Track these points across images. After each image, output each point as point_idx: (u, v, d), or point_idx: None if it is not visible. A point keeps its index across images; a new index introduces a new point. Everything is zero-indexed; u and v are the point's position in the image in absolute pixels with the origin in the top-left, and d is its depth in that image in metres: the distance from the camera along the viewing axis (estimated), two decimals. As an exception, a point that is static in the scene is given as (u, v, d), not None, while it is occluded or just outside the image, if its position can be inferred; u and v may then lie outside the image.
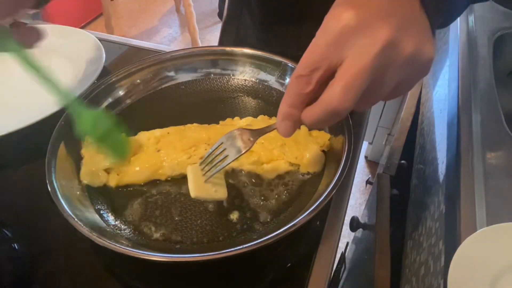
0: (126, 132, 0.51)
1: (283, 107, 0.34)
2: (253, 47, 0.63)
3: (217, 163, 0.43)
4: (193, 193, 0.44)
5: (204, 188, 0.44)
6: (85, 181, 0.50)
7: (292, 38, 0.75)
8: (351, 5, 0.30)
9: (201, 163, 0.46)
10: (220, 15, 0.88)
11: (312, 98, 0.33)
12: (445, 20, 0.35)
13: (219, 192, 0.45)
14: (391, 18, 0.29)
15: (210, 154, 0.44)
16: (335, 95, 0.29)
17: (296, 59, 0.61)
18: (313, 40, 0.31)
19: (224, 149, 0.43)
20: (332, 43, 0.30)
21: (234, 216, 0.47)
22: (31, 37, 0.43)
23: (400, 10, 0.30)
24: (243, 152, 0.42)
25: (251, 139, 0.42)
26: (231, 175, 0.52)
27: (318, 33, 0.31)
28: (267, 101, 0.62)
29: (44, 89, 0.44)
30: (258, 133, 0.42)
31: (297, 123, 0.35)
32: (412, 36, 0.29)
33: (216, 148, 0.44)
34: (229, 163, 0.43)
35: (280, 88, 0.62)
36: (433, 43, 0.31)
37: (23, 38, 0.43)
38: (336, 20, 0.30)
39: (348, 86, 0.29)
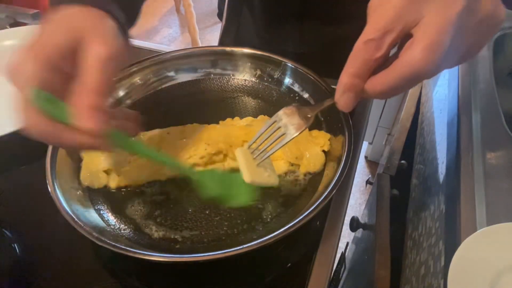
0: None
1: (346, 78, 0.31)
2: (254, 45, 0.63)
3: (272, 143, 0.40)
4: (248, 178, 0.41)
5: (257, 172, 0.41)
6: (85, 183, 0.50)
7: (294, 36, 0.75)
8: None
9: (250, 146, 0.43)
10: (219, 15, 0.88)
11: (380, 65, 0.31)
12: None
13: (272, 177, 0.43)
14: None
15: (262, 134, 0.40)
16: (418, 55, 0.27)
17: (298, 57, 0.61)
18: (384, 2, 0.29)
19: (279, 128, 0.39)
20: (409, 1, 0.28)
21: (234, 216, 0.47)
22: (129, 124, 0.43)
23: None
24: (303, 128, 0.38)
25: (309, 115, 0.38)
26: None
27: None
28: (267, 101, 0.62)
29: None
30: (316, 107, 0.39)
31: (359, 95, 0.32)
32: None
33: (269, 127, 0.40)
34: (288, 142, 0.39)
35: (280, 88, 0.62)
36: (502, 4, 0.32)
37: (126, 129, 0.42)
38: None
39: (433, 44, 0.27)
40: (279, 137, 0.39)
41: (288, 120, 0.39)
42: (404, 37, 0.30)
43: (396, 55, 0.31)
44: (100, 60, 0.33)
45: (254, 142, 0.43)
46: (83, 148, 0.34)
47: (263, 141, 0.41)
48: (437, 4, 0.28)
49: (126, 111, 0.44)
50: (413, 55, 0.28)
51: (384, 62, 0.31)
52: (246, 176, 0.41)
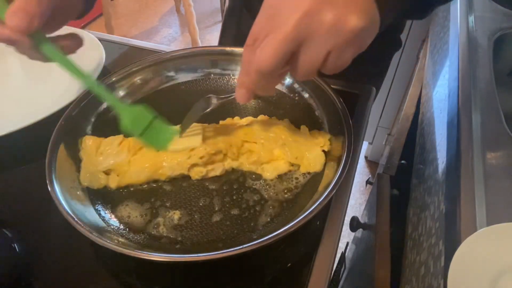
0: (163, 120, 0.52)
1: (239, 77, 0.40)
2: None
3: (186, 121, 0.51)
4: (170, 148, 0.51)
5: (178, 142, 0.51)
6: (85, 183, 0.50)
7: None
8: None
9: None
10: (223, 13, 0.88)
11: None
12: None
13: (193, 140, 0.51)
14: None
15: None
16: (258, 56, 0.34)
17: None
18: (257, 15, 0.36)
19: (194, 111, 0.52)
20: (265, 16, 0.35)
21: (234, 216, 0.47)
22: (72, 44, 0.47)
23: None
24: (206, 110, 0.51)
25: (215, 102, 0.52)
26: (231, 175, 0.52)
27: (260, 9, 0.36)
28: (267, 101, 0.62)
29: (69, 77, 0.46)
30: (221, 98, 0.52)
31: (250, 90, 0.40)
32: (335, 6, 0.32)
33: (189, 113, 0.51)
34: (195, 119, 0.52)
35: (280, 88, 0.62)
36: (367, 16, 0.33)
37: (64, 45, 0.45)
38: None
39: (269, 49, 0.33)
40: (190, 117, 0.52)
41: (199, 106, 0.52)
42: None
43: None
44: None
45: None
46: (5, 41, 0.41)
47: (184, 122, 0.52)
48: (281, 18, 0.33)
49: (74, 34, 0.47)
50: (256, 57, 0.35)
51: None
52: (170, 147, 0.51)
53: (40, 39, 0.43)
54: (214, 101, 0.53)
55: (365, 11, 0.33)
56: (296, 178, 0.51)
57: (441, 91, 0.72)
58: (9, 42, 0.41)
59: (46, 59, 0.45)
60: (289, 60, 0.35)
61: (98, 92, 0.47)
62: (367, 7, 0.33)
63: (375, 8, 0.34)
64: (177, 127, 0.52)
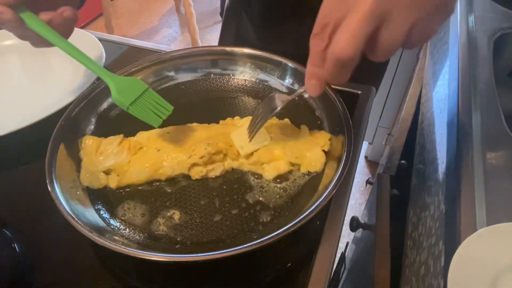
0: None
1: (308, 67, 0.37)
2: (253, 46, 0.63)
3: (256, 124, 0.50)
4: (243, 152, 0.51)
5: (249, 144, 0.51)
6: (85, 183, 0.50)
7: (292, 37, 0.75)
8: None
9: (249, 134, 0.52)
10: (222, 14, 0.88)
11: None
12: None
13: (261, 139, 0.51)
14: None
15: (251, 122, 0.51)
16: (337, 44, 0.31)
17: (296, 58, 0.61)
18: (321, 3, 0.33)
19: (261, 112, 0.49)
20: (336, 2, 0.32)
21: (234, 216, 0.47)
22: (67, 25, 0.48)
23: None
24: (277, 110, 0.47)
25: (283, 99, 0.48)
26: (231, 174, 0.52)
27: None
28: (267, 101, 0.62)
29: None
30: (290, 95, 0.48)
31: (322, 81, 0.37)
32: None
33: (255, 115, 0.50)
34: (265, 122, 0.49)
35: (280, 88, 0.62)
36: None
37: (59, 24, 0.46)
38: None
39: (348, 34, 0.30)
40: (261, 118, 0.49)
41: (266, 107, 0.49)
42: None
43: None
44: None
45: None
46: None
47: (252, 125, 0.51)
48: (356, 1, 0.30)
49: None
50: (333, 45, 0.32)
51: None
52: (241, 151, 0.51)
53: (28, 16, 0.44)
54: (280, 100, 0.48)
55: None
56: (296, 178, 0.51)
57: (441, 91, 0.72)
58: None
59: (39, 41, 0.46)
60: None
61: (86, 64, 0.48)
62: None
63: None
64: (171, 106, 0.51)
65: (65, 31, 0.48)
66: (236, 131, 0.53)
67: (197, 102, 0.62)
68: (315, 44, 0.34)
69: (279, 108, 0.47)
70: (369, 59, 0.34)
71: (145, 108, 0.48)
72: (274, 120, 0.57)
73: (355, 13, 0.30)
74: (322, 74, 0.36)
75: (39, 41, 0.47)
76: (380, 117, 1.64)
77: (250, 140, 0.50)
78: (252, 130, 0.50)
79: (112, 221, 0.47)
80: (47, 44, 0.47)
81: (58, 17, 0.46)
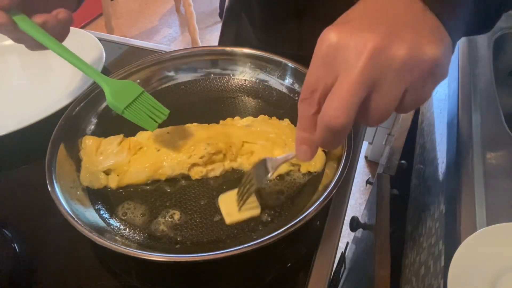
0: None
1: (297, 133, 0.35)
2: (253, 47, 0.63)
3: (246, 191, 0.45)
4: (228, 220, 0.47)
5: (237, 212, 0.47)
6: (85, 183, 0.50)
7: (292, 38, 0.75)
8: (338, 23, 0.30)
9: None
10: (221, 15, 0.88)
11: None
12: (457, 14, 0.32)
13: (251, 210, 0.47)
14: (378, 26, 0.28)
15: (241, 186, 0.46)
16: (327, 112, 0.30)
17: (296, 59, 0.61)
18: (310, 63, 0.32)
19: (251, 179, 0.45)
20: (322, 63, 0.30)
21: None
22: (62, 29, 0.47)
23: (393, 14, 0.29)
24: (269, 175, 0.43)
25: (274, 165, 0.43)
26: (232, 174, 0.52)
27: (313, 56, 0.31)
28: (267, 101, 0.62)
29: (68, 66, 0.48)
30: (280, 160, 0.44)
31: (313, 147, 0.35)
32: (405, 38, 0.28)
33: (245, 180, 0.45)
34: (254, 190, 0.44)
35: (280, 88, 0.62)
36: (441, 41, 0.29)
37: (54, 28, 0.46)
38: (322, 41, 0.30)
39: (339, 101, 0.29)
40: (251, 186, 0.44)
41: (257, 173, 0.44)
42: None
43: None
44: None
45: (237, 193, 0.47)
46: None
47: (241, 191, 0.46)
48: (345, 62, 0.29)
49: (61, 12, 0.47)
50: (324, 112, 0.30)
51: None
52: (227, 219, 0.47)
53: (22, 19, 0.43)
54: (271, 165, 0.44)
55: (437, 36, 0.29)
56: (296, 178, 0.51)
57: (441, 91, 0.72)
58: None
59: (34, 44, 0.45)
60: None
61: (81, 67, 0.47)
62: (437, 31, 0.29)
63: (444, 31, 0.30)
64: (167, 111, 0.49)
65: (60, 34, 0.48)
66: (224, 195, 0.49)
67: (197, 102, 0.62)
68: (304, 109, 0.33)
69: (271, 173, 0.43)
70: (362, 125, 0.33)
71: (140, 112, 0.48)
72: (274, 120, 0.57)
73: (345, 79, 0.28)
74: (313, 139, 0.34)
75: (34, 44, 0.46)
76: (380, 117, 1.63)
77: (240, 209, 0.46)
78: (241, 198, 0.46)
79: (112, 221, 0.47)
80: (42, 47, 0.46)
81: (53, 19, 0.46)
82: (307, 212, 0.41)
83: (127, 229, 0.46)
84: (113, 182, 0.50)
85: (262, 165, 0.44)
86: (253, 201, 0.48)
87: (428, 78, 0.29)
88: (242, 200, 0.45)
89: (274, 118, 0.57)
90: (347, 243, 1.06)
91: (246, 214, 0.47)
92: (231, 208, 0.47)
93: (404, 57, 0.28)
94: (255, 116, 0.57)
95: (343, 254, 0.74)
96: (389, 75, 0.28)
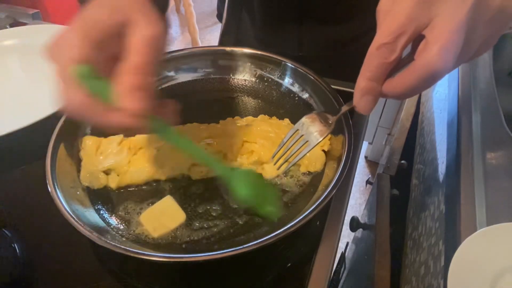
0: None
1: (363, 81, 0.32)
2: (253, 47, 0.63)
3: (295, 152, 0.40)
4: (156, 234, 0.44)
5: (163, 225, 0.45)
6: (85, 183, 0.50)
7: (293, 39, 0.75)
8: None
9: (273, 156, 0.42)
10: (219, 16, 0.87)
11: (394, 67, 0.32)
12: None
13: (177, 217, 0.46)
14: None
15: (285, 143, 0.40)
16: (434, 56, 0.28)
17: (296, 59, 0.61)
18: (394, 6, 0.30)
19: (301, 136, 0.39)
20: (419, 2, 0.28)
21: (234, 216, 0.47)
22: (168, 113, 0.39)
23: None
24: (326, 134, 0.38)
25: (330, 121, 0.39)
26: (231, 175, 0.52)
27: None
28: (267, 101, 0.62)
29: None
30: (336, 113, 0.39)
31: (377, 97, 0.33)
32: None
33: (292, 136, 0.40)
34: (312, 149, 0.39)
35: (280, 88, 0.62)
36: None
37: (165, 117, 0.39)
38: None
39: (447, 45, 0.28)
40: (303, 145, 0.39)
41: (310, 127, 0.39)
42: (417, 38, 0.30)
43: (408, 56, 0.31)
44: (146, 40, 0.33)
45: (276, 154, 0.42)
46: (122, 127, 0.33)
47: (287, 150, 0.41)
48: (447, 4, 0.28)
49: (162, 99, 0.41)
50: (429, 57, 0.28)
51: (398, 64, 0.31)
52: (154, 233, 0.44)
53: (156, 120, 0.36)
54: (328, 119, 0.40)
55: None
56: (296, 178, 0.51)
57: (441, 91, 0.72)
58: (125, 130, 0.34)
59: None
60: None
61: (208, 162, 0.43)
62: None
63: None
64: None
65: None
66: (145, 212, 0.47)
67: (197, 102, 0.62)
68: (381, 55, 0.30)
69: (328, 132, 0.38)
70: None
71: (264, 200, 0.43)
72: (274, 120, 0.57)
73: (446, 23, 0.28)
74: (380, 90, 0.32)
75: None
76: (380, 117, 1.64)
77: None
78: (286, 160, 0.40)
79: (112, 221, 0.47)
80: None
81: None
82: (307, 212, 0.41)
83: (127, 229, 0.46)
84: (113, 182, 0.50)
85: (316, 119, 0.39)
86: (176, 208, 0.47)
87: (503, 28, 0.31)
88: (288, 162, 0.40)
89: (274, 117, 0.57)
90: (347, 243, 1.06)
91: (172, 224, 0.45)
92: (156, 222, 0.46)
93: (498, 6, 0.29)
94: (255, 116, 0.57)
95: (343, 254, 0.75)
96: (482, 22, 0.29)
